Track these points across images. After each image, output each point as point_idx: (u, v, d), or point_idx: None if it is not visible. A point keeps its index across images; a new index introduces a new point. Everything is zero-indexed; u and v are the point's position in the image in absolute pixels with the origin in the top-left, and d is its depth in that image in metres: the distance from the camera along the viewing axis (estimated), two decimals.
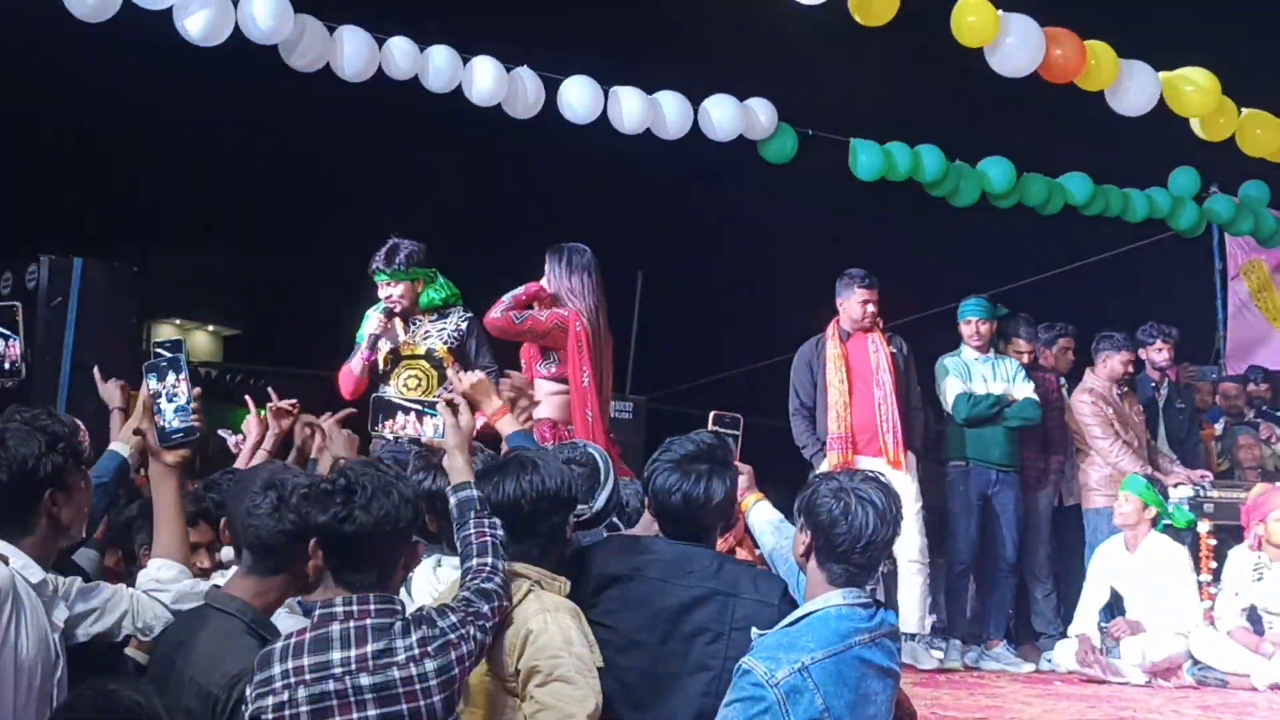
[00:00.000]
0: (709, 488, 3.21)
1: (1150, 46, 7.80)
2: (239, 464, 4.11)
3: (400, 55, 7.09)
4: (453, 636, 2.67)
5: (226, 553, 3.70)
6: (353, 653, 2.59)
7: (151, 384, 3.19)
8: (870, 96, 10.57)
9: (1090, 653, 6.33)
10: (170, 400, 3.18)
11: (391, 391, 5.44)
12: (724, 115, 7.95)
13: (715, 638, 3.08)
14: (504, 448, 3.54)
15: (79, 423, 2.97)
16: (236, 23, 6.46)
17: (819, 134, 8.42)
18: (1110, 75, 7.43)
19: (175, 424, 3.17)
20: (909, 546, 6.39)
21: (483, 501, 3.02)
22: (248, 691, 2.64)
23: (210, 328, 20.74)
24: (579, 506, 3.42)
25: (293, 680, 2.58)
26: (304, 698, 2.56)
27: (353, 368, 5.62)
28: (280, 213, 15.67)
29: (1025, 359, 7.27)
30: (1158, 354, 7.73)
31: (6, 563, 2.63)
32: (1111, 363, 7.36)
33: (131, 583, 3.10)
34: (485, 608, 2.79)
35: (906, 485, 6.33)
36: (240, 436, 4.36)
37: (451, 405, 3.31)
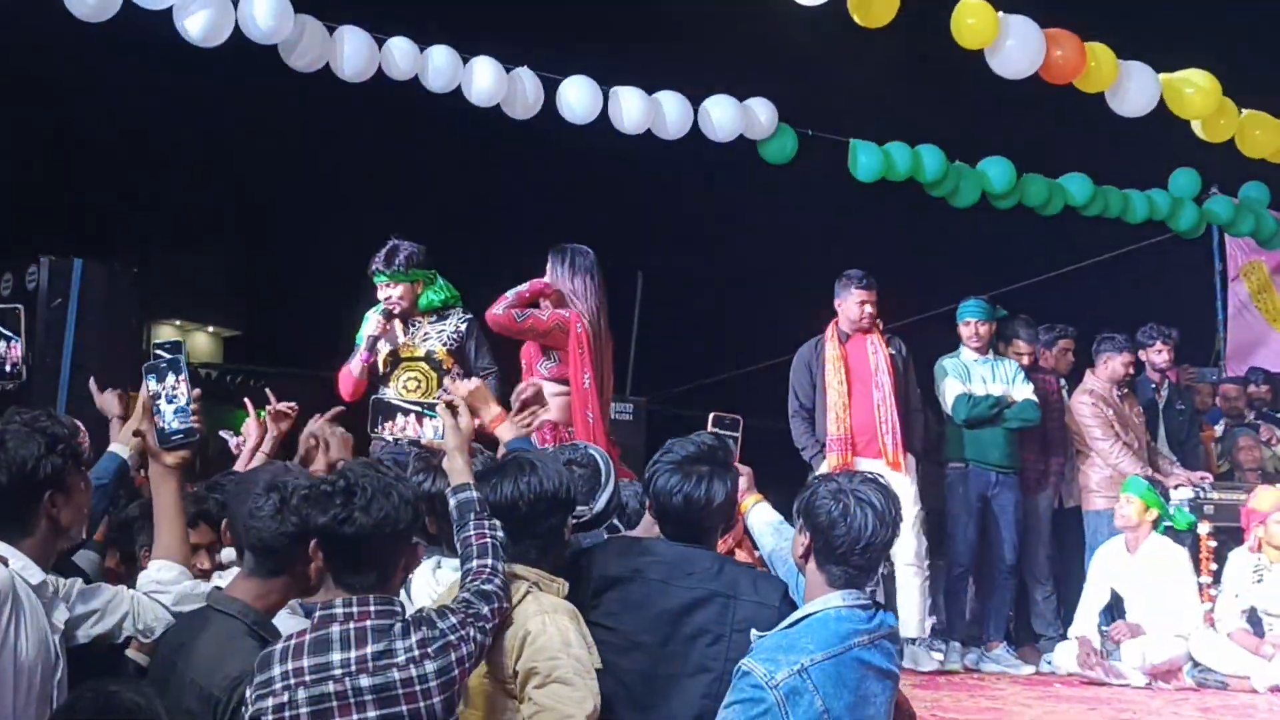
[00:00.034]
0: (710, 489, 3.21)
1: (1150, 46, 7.80)
2: (238, 466, 4.11)
3: (400, 55, 7.09)
4: (452, 638, 2.67)
5: (226, 554, 3.71)
6: (352, 654, 2.59)
7: (151, 385, 3.19)
8: (870, 97, 10.57)
9: (1091, 655, 6.33)
10: (170, 401, 3.18)
11: (391, 393, 5.44)
12: (724, 115, 7.95)
13: (716, 639, 3.08)
14: (501, 450, 3.54)
15: (79, 424, 2.97)
16: (236, 23, 6.46)
17: (819, 134, 8.42)
18: (1110, 77, 7.42)
19: (175, 425, 3.17)
20: (905, 550, 6.38)
21: (482, 503, 3.02)
22: (248, 693, 2.64)
23: (210, 329, 20.73)
24: (579, 508, 3.43)
25: (293, 681, 2.58)
26: (304, 699, 2.56)
27: (352, 369, 5.62)
28: (280, 214, 15.67)
29: (1025, 361, 7.27)
30: (1157, 355, 7.73)
31: (6, 564, 2.63)
32: (1113, 364, 7.36)
33: (132, 584, 3.10)
34: (485, 609, 2.79)
35: (905, 488, 6.31)
36: (242, 438, 4.36)
37: (451, 407, 3.31)
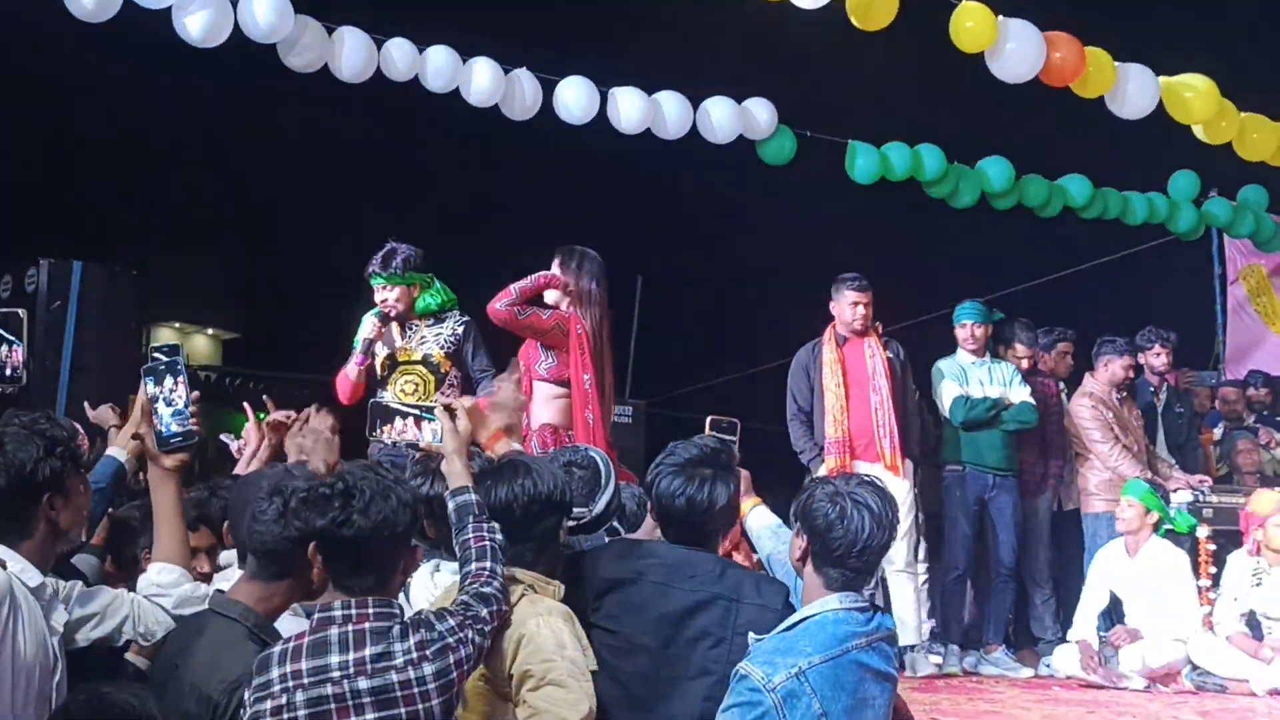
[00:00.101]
0: (712, 492, 3.21)
1: (1150, 46, 7.80)
2: (238, 470, 4.11)
3: (399, 56, 7.09)
4: (451, 640, 2.67)
5: (225, 556, 3.71)
6: (351, 656, 2.58)
7: (149, 388, 3.19)
8: (870, 98, 10.58)
9: (1091, 659, 6.33)
10: (168, 404, 3.18)
11: (388, 397, 5.42)
12: (723, 116, 7.96)
13: (718, 642, 3.08)
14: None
15: (78, 426, 2.98)
16: (236, 23, 6.46)
17: (817, 136, 8.42)
18: (1108, 82, 7.42)
19: (173, 428, 3.17)
20: (897, 556, 6.36)
21: (481, 506, 3.02)
22: (246, 695, 2.63)
23: (209, 331, 20.73)
24: (579, 510, 3.43)
25: (291, 684, 2.57)
26: (302, 701, 2.56)
27: (348, 373, 5.60)
28: (279, 216, 15.67)
29: (1025, 364, 7.27)
30: (1156, 359, 7.73)
31: (4, 566, 2.63)
32: (1113, 367, 7.36)
33: (131, 587, 3.10)
34: (484, 612, 2.79)
35: (901, 493, 6.29)
36: (242, 442, 4.36)
37: (449, 410, 3.31)
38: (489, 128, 7.96)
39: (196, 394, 3.26)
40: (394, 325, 5.63)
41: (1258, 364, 9.70)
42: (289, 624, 3.00)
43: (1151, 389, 7.82)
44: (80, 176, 14.89)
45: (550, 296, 5.59)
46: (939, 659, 6.79)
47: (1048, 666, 6.79)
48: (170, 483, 3.16)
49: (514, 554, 3.05)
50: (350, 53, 6.91)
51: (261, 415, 4.24)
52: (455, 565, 3.03)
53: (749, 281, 14.52)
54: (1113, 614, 6.63)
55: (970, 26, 7.03)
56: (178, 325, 19.43)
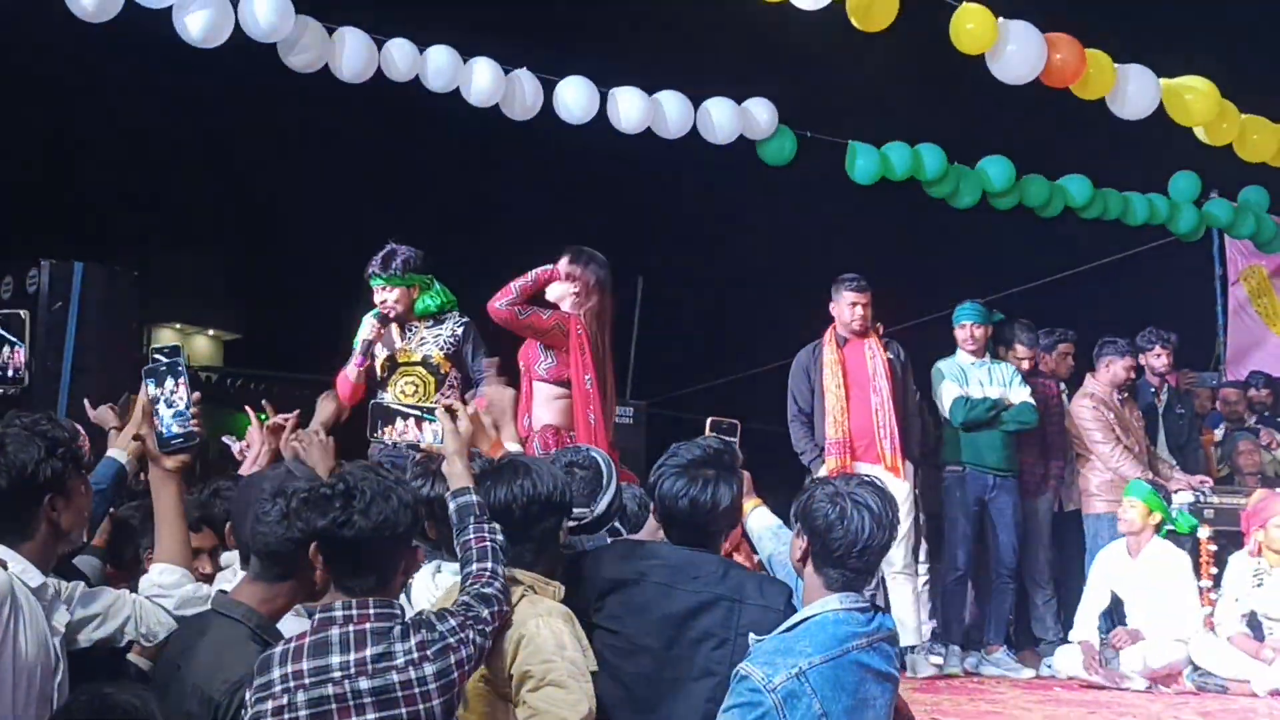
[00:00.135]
0: (716, 493, 3.21)
1: (1150, 47, 7.81)
2: (241, 472, 4.11)
3: (399, 56, 7.09)
4: (452, 640, 2.67)
5: (226, 557, 3.71)
6: (352, 657, 2.58)
7: (150, 390, 3.19)
8: (870, 99, 10.58)
9: (1094, 660, 6.32)
10: (169, 406, 3.18)
11: (389, 398, 5.42)
12: (723, 116, 7.96)
13: (721, 643, 3.08)
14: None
15: (79, 427, 2.98)
16: (236, 22, 6.46)
17: (817, 136, 8.42)
18: (1108, 84, 7.43)
19: (174, 429, 3.17)
20: (895, 557, 6.34)
21: (482, 507, 3.03)
22: (247, 696, 2.64)
23: (210, 332, 20.75)
24: (581, 510, 3.43)
25: (292, 684, 2.58)
26: (303, 701, 2.56)
27: (348, 374, 5.59)
28: (280, 217, 15.68)
29: (1026, 365, 7.27)
30: (1157, 359, 7.73)
31: (5, 567, 2.63)
32: (1114, 368, 7.36)
33: (133, 587, 3.10)
34: (485, 612, 2.79)
35: (901, 494, 6.28)
36: (245, 443, 4.36)
37: (450, 411, 3.31)
38: (489, 128, 7.97)
39: (197, 395, 3.26)
40: (394, 326, 5.62)
41: (1258, 365, 9.71)
42: (292, 624, 3.00)
43: (1152, 390, 7.82)
44: (81, 177, 14.90)
45: (553, 293, 5.58)
46: (940, 660, 6.79)
47: (1049, 667, 6.79)
48: (171, 484, 3.16)
49: (514, 555, 3.05)
50: (350, 53, 6.91)
51: (263, 417, 4.24)
52: (457, 566, 3.03)
53: (749, 281, 14.52)
54: (1114, 614, 6.63)
55: (970, 28, 7.04)
56: (179, 326, 19.45)
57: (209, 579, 3.52)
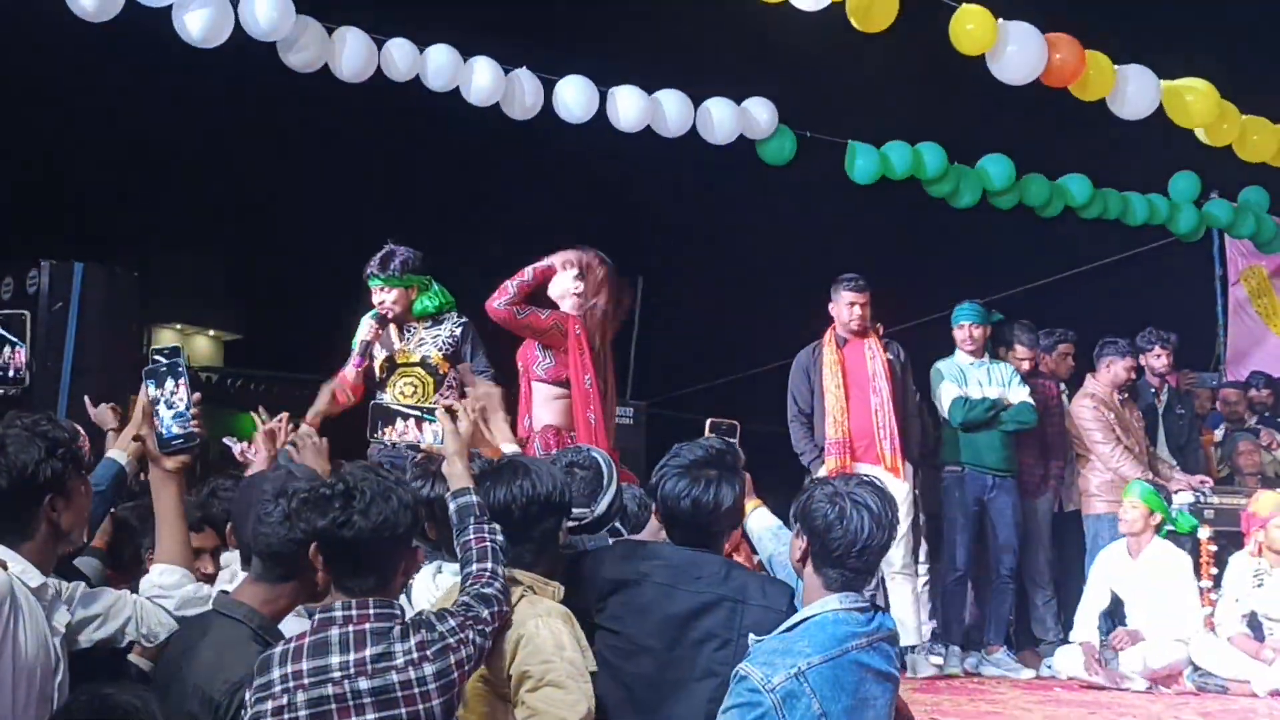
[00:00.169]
0: (718, 493, 3.21)
1: (1150, 47, 7.81)
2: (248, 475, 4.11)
3: (399, 56, 7.10)
4: (451, 641, 2.67)
5: (225, 558, 3.71)
6: (351, 657, 2.58)
7: (150, 390, 3.19)
8: (870, 99, 10.58)
9: (1095, 661, 6.32)
10: (169, 407, 3.18)
11: (387, 399, 5.41)
12: (723, 116, 7.97)
13: (723, 644, 3.08)
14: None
15: (79, 428, 2.98)
16: (237, 21, 6.46)
17: (817, 136, 8.42)
18: (1107, 85, 7.43)
19: (175, 430, 3.17)
20: (894, 558, 6.35)
21: (482, 507, 3.03)
22: (247, 696, 2.64)
23: (211, 332, 20.75)
24: (581, 510, 3.43)
25: (291, 684, 2.58)
26: (302, 702, 2.56)
27: (346, 375, 5.58)
28: (281, 217, 15.68)
29: (1026, 365, 7.27)
30: (1156, 360, 7.73)
31: (5, 568, 2.63)
32: (1115, 368, 7.35)
33: (134, 588, 3.10)
34: (485, 612, 2.79)
35: (901, 494, 6.28)
36: (246, 444, 4.36)
37: (450, 412, 3.31)
38: (489, 128, 7.97)
39: (198, 396, 3.26)
40: (392, 327, 5.61)
41: (1259, 365, 9.71)
42: (293, 625, 3.00)
43: (1152, 390, 7.82)
44: (81, 177, 14.90)
45: (555, 289, 5.57)
46: (940, 660, 6.79)
47: (1049, 667, 6.79)
48: (172, 484, 3.16)
49: (513, 555, 3.06)
50: (350, 52, 6.91)
51: (254, 424, 4.24)
52: (457, 567, 3.03)
53: (749, 282, 14.51)
54: (1114, 615, 6.63)
55: (970, 29, 7.04)
56: (179, 327, 19.46)
57: (211, 579, 3.52)
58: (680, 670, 3.08)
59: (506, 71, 7.43)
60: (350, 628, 2.61)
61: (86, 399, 4.62)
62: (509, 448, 3.67)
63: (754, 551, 3.82)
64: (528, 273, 5.45)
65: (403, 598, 3.17)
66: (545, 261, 5.50)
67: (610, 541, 3.56)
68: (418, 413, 4.11)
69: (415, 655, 2.61)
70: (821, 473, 6.37)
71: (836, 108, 9.89)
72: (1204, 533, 6.85)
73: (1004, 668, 6.89)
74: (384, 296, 5.56)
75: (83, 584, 2.91)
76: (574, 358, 5.42)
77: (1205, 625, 6.39)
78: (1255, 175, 9.00)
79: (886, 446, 6.54)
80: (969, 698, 5.99)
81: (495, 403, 3.69)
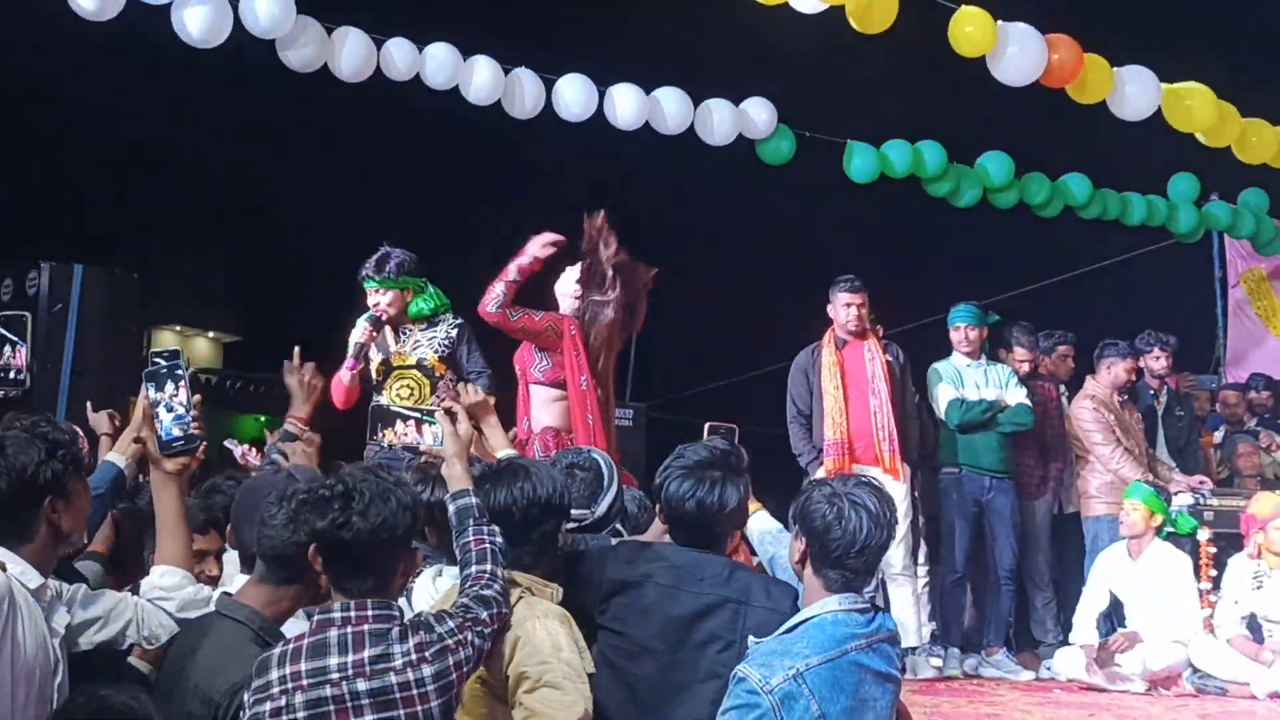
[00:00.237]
0: (723, 495, 3.21)
1: (1150, 48, 7.81)
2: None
3: (399, 55, 7.10)
4: (450, 642, 2.66)
5: (226, 558, 3.70)
6: (350, 658, 2.58)
7: (151, 393, 3.19)
8: (869, 100, 10.58)
9: (1094, 663, 6.32)
10: (169, 410, 3.18)
11: (384, 402, 5.40)
12: (722, 118, 7.97)
13: (727, 645, 3.07)
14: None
15: (78, 430, 2.97)
16: (236, 24, 6.45)
17: (816, 136, 8.42)
18: (1106, 88, 7.43)
19: (174, 432, 3.17)
20: (893, 559, 6.35)
21: (481, 509, 3.03)
22: (246, 697, 2.63)
23: (210, 334, 20.76)
24: (581, 512, 3.43)
25: (290, 685, 2.57)
26: (301, 703, 2.56)
27: (341, 377, 5.56)
28: (281, 217, 15.68)
29: (1026, 367, 7.27)
30: (1155, 362, 7.73)
31: (4, 569, 2.63)
32: (1115, 370, 7.35)
33: (135, 589, 3.10)
34: (484, 614, 2.79)
35: (900, 495, 6.28)
36: (247, 447, 4.35)
37: (450, 413, 3.31)
38: (489, 128, 7.97)
39: (198, 398, 3.26)
40: (387, 330, 5.60)
41: (1258, 367, 9.70)
42: (295, 627, 3.00)
43: (1152, 392, 7.82)
44: (80, 179, 14.90)
45: (559, 288, 5.56)
46: (939, 662, 6.78)
47: (1048, 669, 6.79)
48: (173, 486, 3.16)
49: (513, 557, 3.06)
50: (350, 52, 6.92)
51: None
52: (457, 570, 3.03)
53: (748, 283, 14.51)
54: (1113, 616, 6.63)
55: (969, 31, 7.05)
56: (179, 328, 19.47)
57: (215, 581, 3.52)
58: (683, 672, 3.08)
59: (506, 72, 7.43)
60: (349, 629, 2.61)
61: (89, 405, 4.61)
62: (505, 453, 3.67)
63: (753, 552, 3.82)
64: (512, 271, 5.37)
65: (403, 600, 3.16)
66: (526, 255, 5.41)
67: (613, 542, 3.55)
68: (417, 415, 4.11)
69: (414, 657, 2.60)
70: (820, 474, 6.36)
71: (836, 108, 9.90)
72: (1203, 534, 6.85)
73: (1003, 669, 6.89)
74: (379, 299, 5.55)
75: (83, 586, 2.91)
76: (569, 359, 5.41)
77: (1205, 627, 6.39)
78: (1255, 177, 9.00)
79: (885, 448, 6.53)
80: (968, 699, 5.99)
81: (486, 409, 3.69)
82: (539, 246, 5.43)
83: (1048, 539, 7.28)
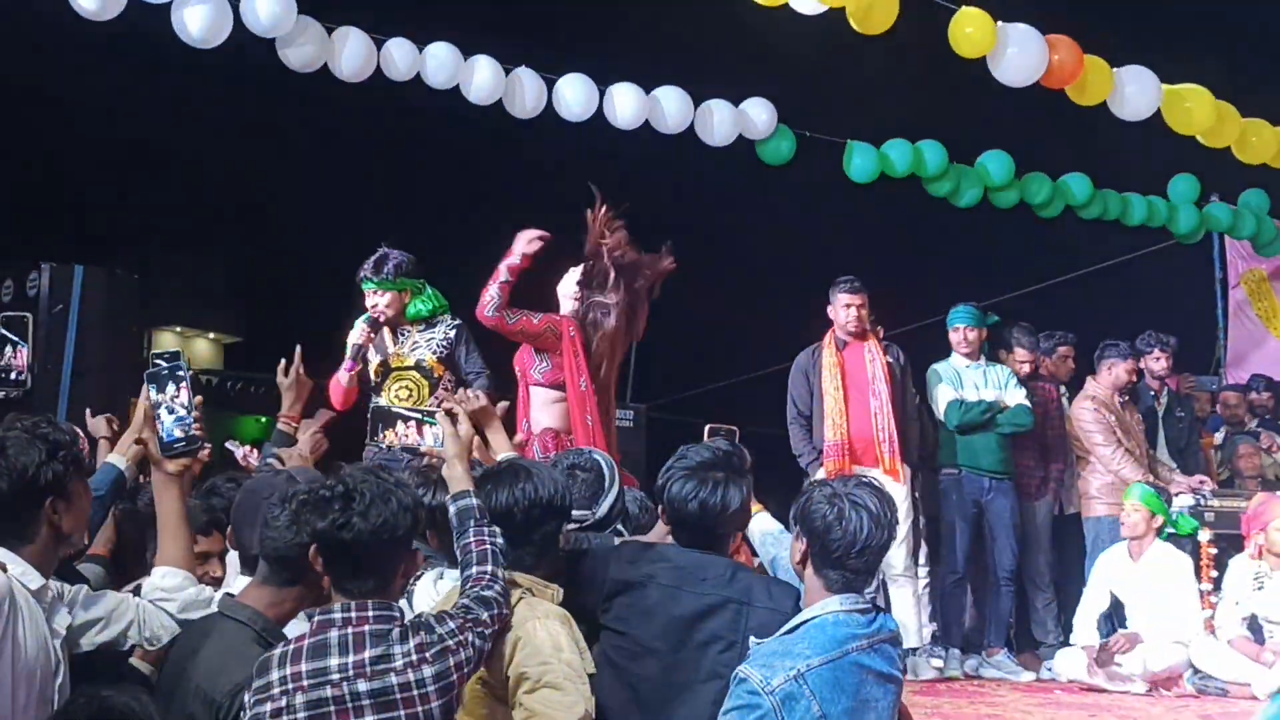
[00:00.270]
0: (726, 495, 3.22)
1: (1150, 48, 7.81)
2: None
3: (399, 55, 7.10)
4: (451, 643, 2.66)
5: (229, 559, 3.70)
6: (350, 659, 2.58)
7: (152, 394, 3.19)
8: (869, 100, 10.58)
9: (1095, 664, 6.32)
10: (170, 411, 3.18)
11: (384, 403, 5.38)
12: (723, 117, 7.97)
13: (729, 646, 3.08)
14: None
15: (79, 430, 2.97)
16: (238, 21, 6.45)
17: (816, 136, 8.42)
18: (1105, 89, 7.43)
19: (176, 433, 3.17)
20: (894, 560, 6.35)
21: (482, 510, 3.03)
22: (246, 698, 2.63)
23: (211, 335, 20.78)
24: (582, 512, 3.43)
25: (290, 686, 2.57)
26: (301, 704, 2.56)
27: (339, 379, 5.56)
28: (281, 217, 15.69)
29: (1026, 368, 7.26)
30: (1155, 363, 7.73)
31: (4, 570, 2.63)
32: (1116, 371, 7.35)
33: (136, 590, 3.10)
34: (484, 615, 2.79)
35: (900, 497, 6.28)
36: (248, 448, 4.34)
37: (451, 414, 3.31)
38: (489, 127, 7.97)
39: (199, 399, 3.26)
40: (386, 331, 5.59)
41: (1258, 368, 9.70)
42: (297, 628, 3.00)
43: (1152, 393, 7.82)
44: (81, 178, 14.91)
45: (560, 289, 5.55)
46: (940, 662, 6.78)
47: (1049, 670, 6.78)
48: (174, 487, 3.16)
49: (514, 558, 3.06)
50: (350, 51, 6.91)
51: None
52: (458, 573, 3.03)
53: (749, 283, 14.51)
54: (1114, 617, 6.63)
55: (969, 32, 7.05)
56: (179, 329, 19.48)
57: (218, 583, 3.52)
58: (685, 672, 3.08)
59: (507, 71, 7.43)
60: (349, 630, 2.61)
61: (88, 413, 4.61)
62: (505, 455, 3.67)
63: (754, 553, 3.82)
64: (503, 272, 5.33)
65: (404, 603, 3.16)
66: (514, 254, 5.37)
67: (616, 541, 3.55)
68: (418, 415, 4.10)
69: (414, 657, 2.60)
70: (820, 475, 6.36)
71: (836, 109, 9.90)
72: (1204, 535, 6.85)
73: (1004, 670, 6.89)
74: (377, 300, 5.55)
75: (85, 587, 2.91)
76: (568, 360, 5.39)
77: (1205, 628, 6.39)
78: (1255, 178, 9.00)
79: (885, 449, 6.53)
80: (969, 700, 6.00)
81: (488, 414, 3.68)
82: (525, 243, 5.40)
83: (1048, 540, 7.28)
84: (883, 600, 6.23)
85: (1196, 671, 6.28)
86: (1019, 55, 7.10)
